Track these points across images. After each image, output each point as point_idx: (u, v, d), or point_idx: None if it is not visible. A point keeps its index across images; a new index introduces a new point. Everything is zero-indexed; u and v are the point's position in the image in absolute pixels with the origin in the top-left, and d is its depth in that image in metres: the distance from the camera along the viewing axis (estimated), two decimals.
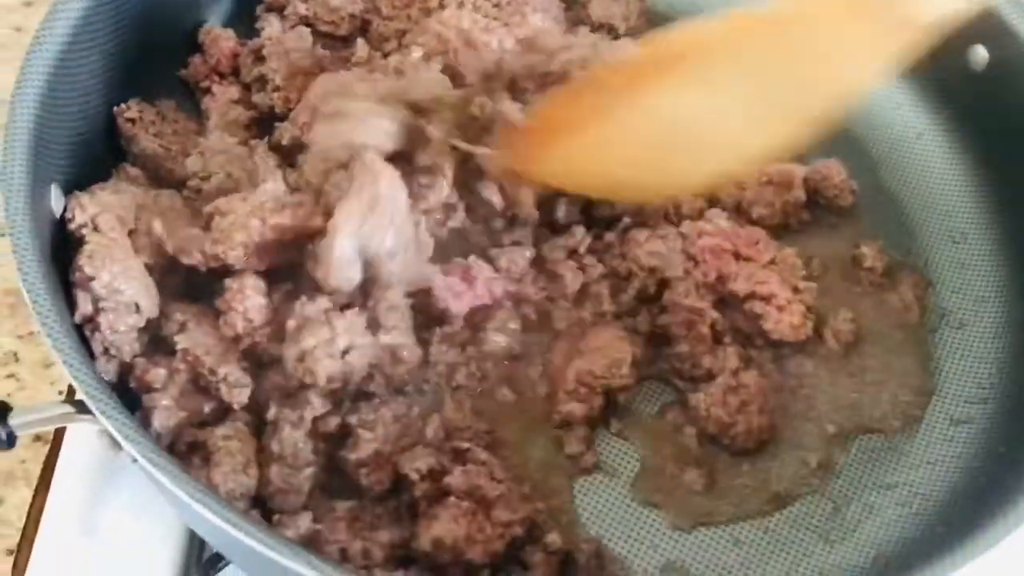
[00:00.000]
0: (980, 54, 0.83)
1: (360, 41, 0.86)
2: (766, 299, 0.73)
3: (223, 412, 0.66)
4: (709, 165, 0.64)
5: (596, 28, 0.90)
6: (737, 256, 0.75)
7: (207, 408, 0.66)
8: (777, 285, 0.74)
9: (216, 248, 0.66)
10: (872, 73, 0.59)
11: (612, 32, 0.90)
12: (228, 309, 0.67)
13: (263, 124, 0.81)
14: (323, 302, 0.66)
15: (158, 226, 0.68)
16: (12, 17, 1.11)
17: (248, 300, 0.67)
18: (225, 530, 0.52)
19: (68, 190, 0.69)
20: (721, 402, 0.70)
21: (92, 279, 0.64)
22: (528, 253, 0.75)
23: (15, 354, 0.85)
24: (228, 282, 0.67)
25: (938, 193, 0.86)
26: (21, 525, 0.76)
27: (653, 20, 0.92)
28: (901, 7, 0.56)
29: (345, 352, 0.65)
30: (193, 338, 0.66)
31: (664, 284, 0.75)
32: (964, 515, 0.67)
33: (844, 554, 0.68)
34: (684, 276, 0.74)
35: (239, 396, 0.65)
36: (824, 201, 0.82)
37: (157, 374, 0.65)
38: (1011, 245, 0.82)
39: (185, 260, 0.67)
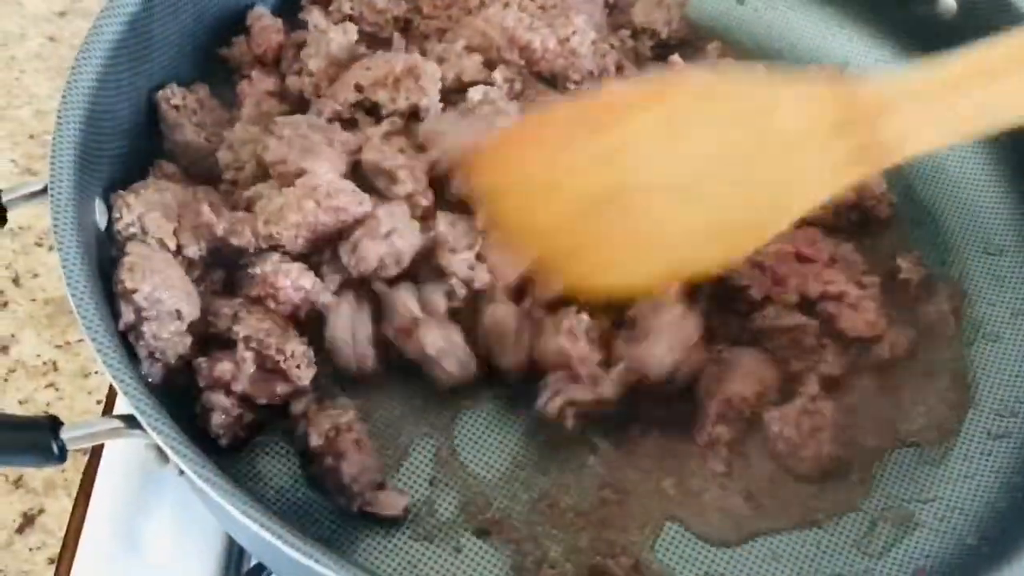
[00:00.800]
0: None
1: (397, 36, 0.86)
2: (837, 298, 0.74)
3: (296, 393, 0.69)
4: (662, 246, 0.64)
5: (638, 32, 0.91)
6: (799, 257, 0.76)
7: (280, 389, 0.68)
8: (844, 283, 0.75)
9: (269, 228, 0.69)
10: (825, 194, 0.63)
11: (654, 37, 0.91)
12: (275, 290, 0.69)
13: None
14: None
15: (206, 210, 0.70)
16: (46, 27, 1.12)
17: (291, 273, 0.69)
18: (270, 542, 0.53)
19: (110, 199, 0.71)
20: (795, 423, 0.70)
21: (134, 291, 0.65)
22: None
23: (54, 363, 0.86)
24: (254, 270, 0.70)
25: (974, 205, 0.86)
26: (62, 535, 0.76)
27: (694, 26, 0.93)
28: (876, 132, 0.59)
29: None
30: (251, 325, 0.68)
31: (735, 292, 0.75)
32: (1004, 531, 0.67)
33: (883, 569, 0.68)
34: (756, 285, 0.75)
35: (309, 373, 0.68)
36: (862, 212, 0.82)
37: (224, 368, 0.67)
38: None
39: (235, 241, 0.70)
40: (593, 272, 0.67)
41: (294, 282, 0.69)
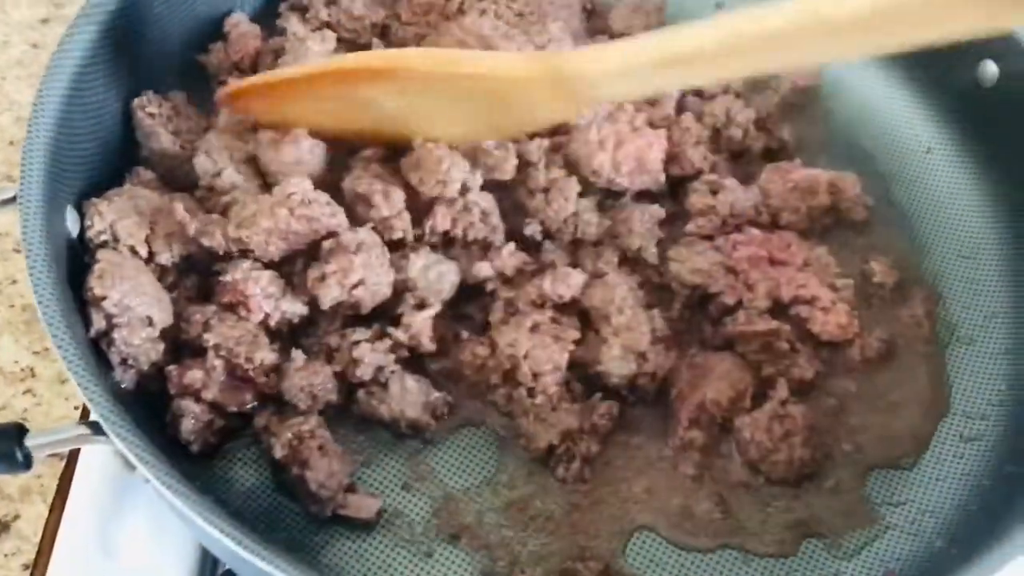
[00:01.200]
0: (990, 70, 0.83)
1: (376, 41, 0.86)
2: (809, 302, 0.75)
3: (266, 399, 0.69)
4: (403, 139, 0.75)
5: (616, 38, 0.91)
6: (772, 261, 0.76)
7: (249, 397, 0.68)
8: (817, 286, 0.75)
9: (240, 232, 0.69)
10: (544, 124, 0.76)
11: None
12: (245, 297, 0.69)
13: None
14: None
15: (179, 208, 0.71)
16: (30, 34, 1.12)
17: (260, 279, 0.70)
18: (237, 552, 0.53)
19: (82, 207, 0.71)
20: (766, 428, 0.70)
21: (103, 298, 0.65)
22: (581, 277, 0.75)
23: (32, 369, 0.86)
24: (225, 277, 0.70)
25: (948, 209, 0.86)
26: (37, 540, 0.77)
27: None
28: (585, 90, 0.70)
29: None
30: (221, 333, 0.68)
31: (707, 298, 0.76)
32: (973, 534, 0.67)
33: (853, 571, 0.68)
34: (728, 290, 0.75)
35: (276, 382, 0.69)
36: (838, 214, 0.83)
37: (194, 376, 0.67)
38: (1021, 261, 0.82)
39: (206, 242, 0.70)
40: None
41: (264, 289, 0.69)
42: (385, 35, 0.89)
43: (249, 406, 0.69)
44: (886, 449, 0.73)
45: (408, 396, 0.70)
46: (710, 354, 0.74)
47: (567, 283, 0.73)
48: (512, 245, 0.75)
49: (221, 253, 0.70)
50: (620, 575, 0.67)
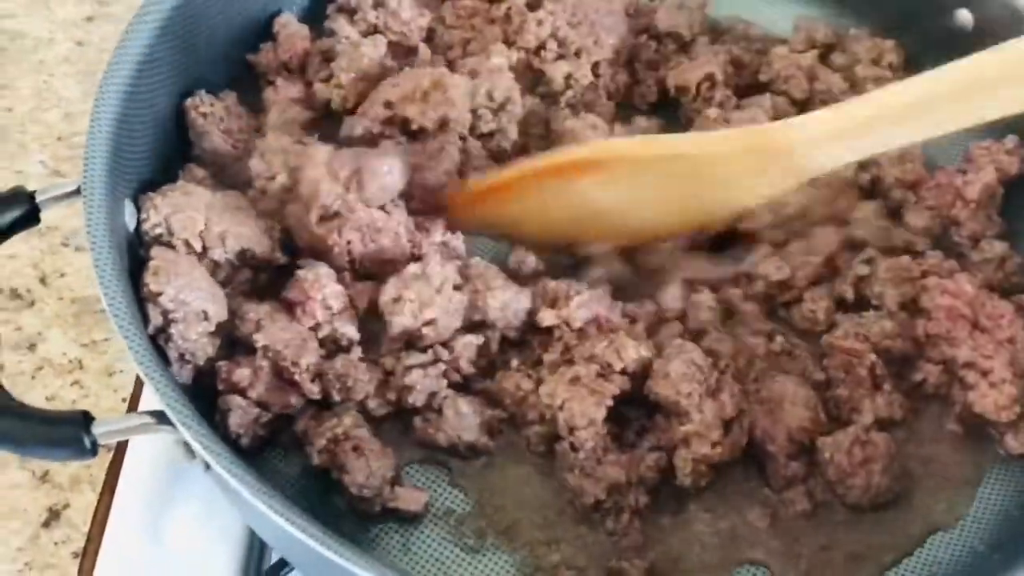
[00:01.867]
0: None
1: (422, 46, 0.88)
2: (983, 373, 0.72)
3: (310, 403, 0.69)
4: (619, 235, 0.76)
5: (663, 37, 0.92)
6: (975, 325, 0.74)
7: (294, 400, 0.69)
8: (1001, 365, 0.72)
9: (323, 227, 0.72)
10: (758, 200, 0.75)
11: (678, 40, 0.92)
12: (306, 299, 0.70)
13: (319, 125, 0.83)
14: None
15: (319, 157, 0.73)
16: (75, 32, 1.14)
17: (326, 288, 0.70)
18: (296, 537, 0.54)
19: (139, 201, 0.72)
20: (847, 451, 0.69)
21: (160, 294, 0.66)
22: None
23: (80, 362, 0.88)
24: (302, 273, 0.71)
25: None
26: (86, 529, 0.78)
27: (716, 29, 0.94)
28: (794, 160, 0.71)
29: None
30: (271, 334, 0.69)
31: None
32: (1016, 539, 0.68)
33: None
34: (896, 315, 0.75)
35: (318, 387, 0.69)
36: None
37: (242, 374, 0.68)
38: None
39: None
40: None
41: (326, 299, 0.70)
42: (431, 39, 0.91)
43: (294, 410, 0.70)
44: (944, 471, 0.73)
45: (464, 420, 0.70)
46: (770, 382, 0.72)
47: (620, 354, 0.71)
48: (585, 295, 0.73)
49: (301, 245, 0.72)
50: (665, 572, 0.67)
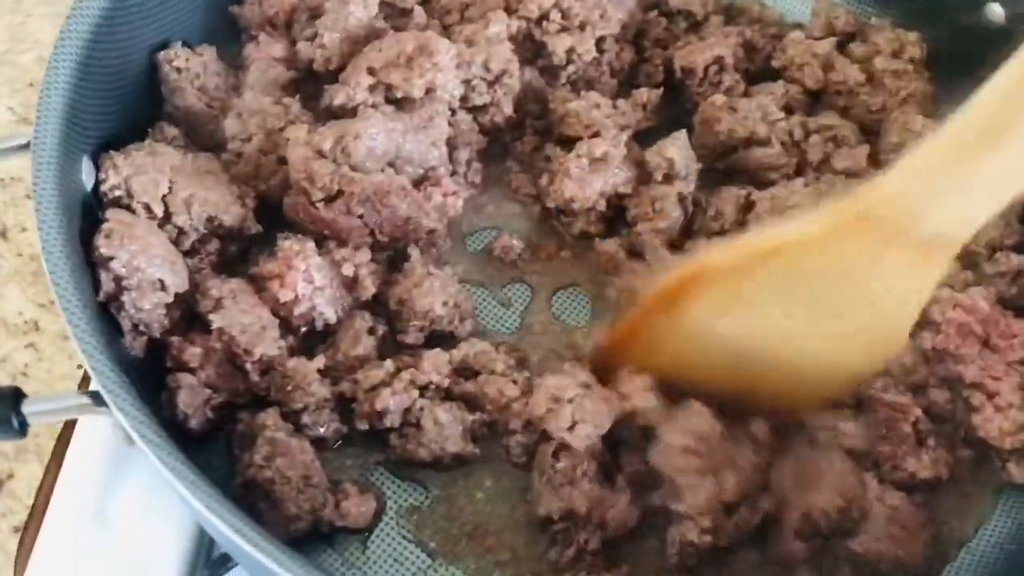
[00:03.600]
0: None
1: (418, 8, 0.82)
2: (990, 395, 0.68)
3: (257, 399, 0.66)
4: (793, 383, 0.63)
5: (674, 14, 0.87)
6: (985, 343, 0.69)
7: (242, 387, 0.65)
8: (1009, 388, 0.68)
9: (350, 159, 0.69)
10: (916, 292, 0.59)
11: (690, 19, 0.87)
12: (288, 269, 0.66)
13: (302, 85, 0.78)
14: None
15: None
16: None
17: (311, 259, 0.66)
18: (231, 539, 0.50)
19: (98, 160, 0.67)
20: (882, 535, 0.63)
21: (111, 259, 0.62)
22: None
23: (36, 323, 0.83)
24: (286, 243, 0.67)
25: None
26: (30, 502, 0.74)
27: (731, 9, 0.89)
28: (903, 223, 0.55)
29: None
30: (229, 316, 0.64)
31: None
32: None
33: None
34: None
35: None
36: None
37: (193, 353, 0.64)
38: None
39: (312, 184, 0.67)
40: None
41: (309, 272, 0.66)
42: (427, 1, 0.85)
43: (242, 399, 0.66)
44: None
45: (445, 430, 0.65)
46: (817, 451, 0.66)
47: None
48: None
49: (320, 196, 0.68)
50: None
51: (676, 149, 0.76)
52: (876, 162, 0.78)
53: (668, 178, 0.76)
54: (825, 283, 0.59)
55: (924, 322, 0.70)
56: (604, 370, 0.67)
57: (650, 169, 0.76)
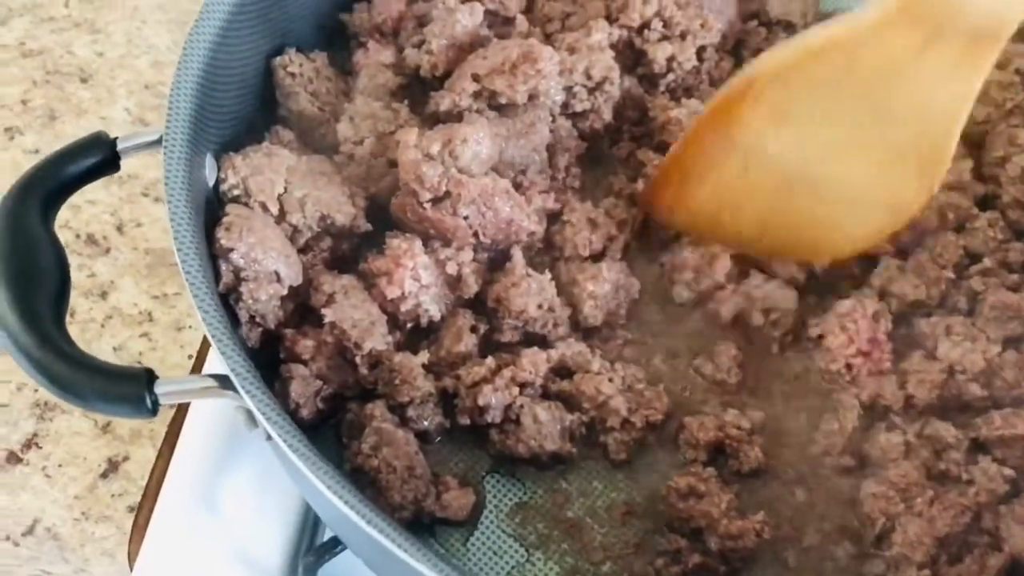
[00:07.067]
0: None
1: (520, 17, 0.84)
2: None
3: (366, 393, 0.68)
4: (836, 215, 0.64)
5: (773, 24, 0.87)
6: None
7: (351, 381, 0.67)
8: None
9: (458, 163, 0.70)
10: (960, 97, 0.59)
11: (789, 29, 0.87)
12: (396, 267, 0.68)
13: (409, 91, 0.80)
14: None
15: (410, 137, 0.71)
16: None
17: (419, 257, 0.68)
18: (352, 519, 0.52)
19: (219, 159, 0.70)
20: None
21: (231, 250, 0.65)
22: None
23: (150, 314, 0.86)
24: (394, 241, 0.69)
25: None
26: (143, 484, 0.77)
27: (824, 16, 0.88)
28: (969, 19, 0.56)
29: None
30: (341, 311, 0.66)
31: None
32: None
33: None
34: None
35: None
36: None
37: (306, 345, 0.66)
38: None
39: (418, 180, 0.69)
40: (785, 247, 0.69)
41: (416, 271, 0.68)
42: (530, 10, 0.87)
43: (351, 391, 0.68)
44: None
45: (544, 428, 0.67)
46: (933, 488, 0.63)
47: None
48: None
49: (428, 198, 0.70)
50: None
51: None
52: (980, 176, 0.77)
53: None
54: (871, 84, 0.60)
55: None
56: (653, 204, 0.69)
57: None
